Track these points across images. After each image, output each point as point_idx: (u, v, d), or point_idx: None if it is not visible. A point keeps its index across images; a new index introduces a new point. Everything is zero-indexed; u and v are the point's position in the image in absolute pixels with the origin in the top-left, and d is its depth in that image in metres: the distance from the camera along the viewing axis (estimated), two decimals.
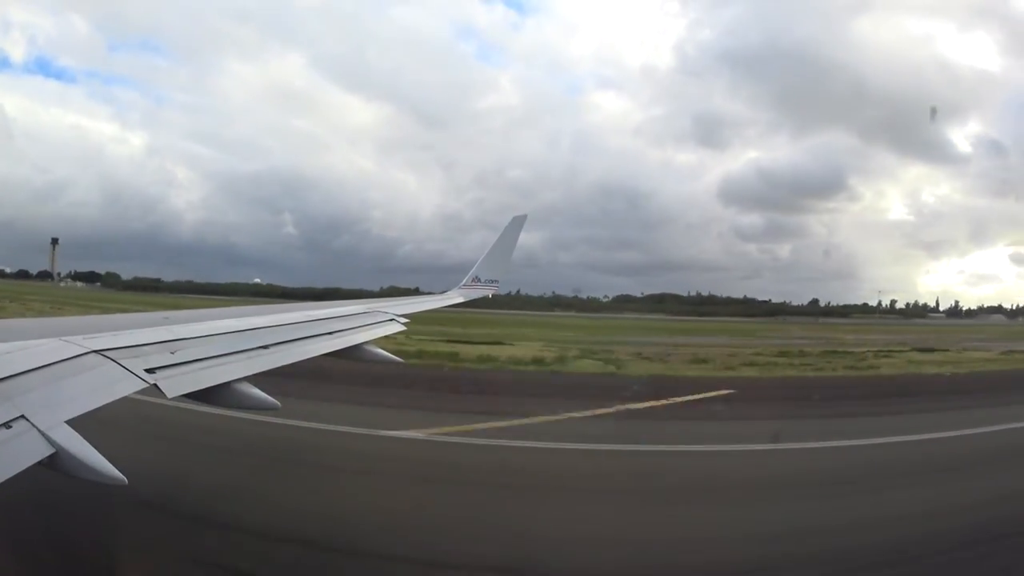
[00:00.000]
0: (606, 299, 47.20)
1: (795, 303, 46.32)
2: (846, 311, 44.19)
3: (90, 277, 54.22)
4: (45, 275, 53.93)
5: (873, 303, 46.60)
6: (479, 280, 7.13)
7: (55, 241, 53.81)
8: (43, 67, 78.82)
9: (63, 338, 2.33)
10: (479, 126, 65.09)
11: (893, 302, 47.45)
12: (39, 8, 73.12)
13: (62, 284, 51.75)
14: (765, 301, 46.15)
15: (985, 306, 44.61)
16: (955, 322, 41.29)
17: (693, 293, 49.75)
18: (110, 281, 51.67)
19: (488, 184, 59.35)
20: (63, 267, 54.25)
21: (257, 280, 46.60)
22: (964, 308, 45.22)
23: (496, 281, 7.22)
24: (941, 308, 46.20)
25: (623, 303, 47.02)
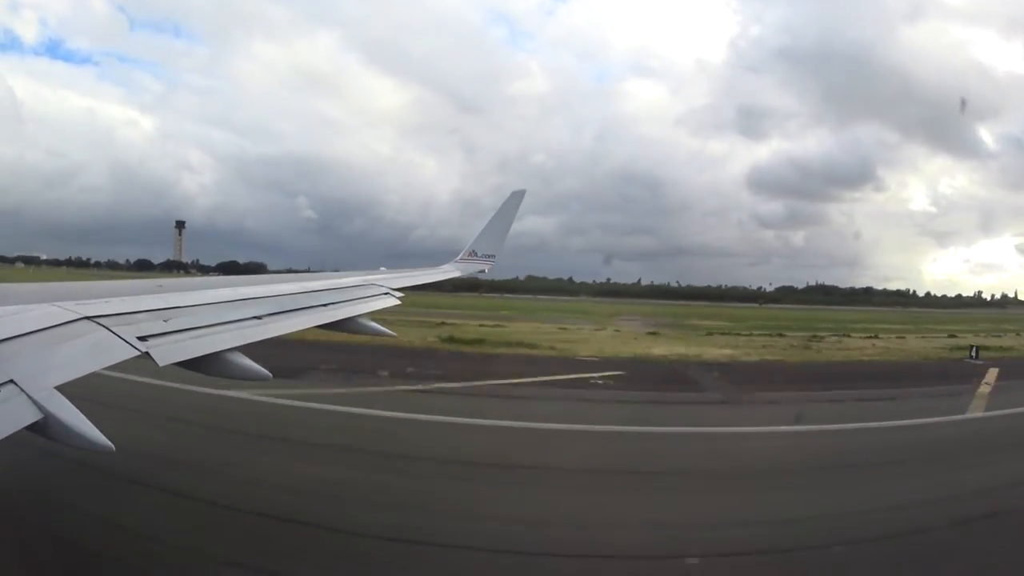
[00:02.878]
0: (763, 290, 49.26)
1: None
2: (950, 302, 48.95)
3: (229, 268, 42.87)
4: (172, 265, 46.46)
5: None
6: (476, 254, 7.09)
7: (180, 224, 45.94)
8: (52, 49, 76.24)
9: (56, 303, 2.34)
10: (507, 112, 63.90)
11: (979, 292, 48.44)
12: None
13: None
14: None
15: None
16: None
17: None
18: None
19: (510, 169, 58.39)
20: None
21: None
22: None
23: (493, 256, 7.18)
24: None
25: (786, 294, 50.58)
